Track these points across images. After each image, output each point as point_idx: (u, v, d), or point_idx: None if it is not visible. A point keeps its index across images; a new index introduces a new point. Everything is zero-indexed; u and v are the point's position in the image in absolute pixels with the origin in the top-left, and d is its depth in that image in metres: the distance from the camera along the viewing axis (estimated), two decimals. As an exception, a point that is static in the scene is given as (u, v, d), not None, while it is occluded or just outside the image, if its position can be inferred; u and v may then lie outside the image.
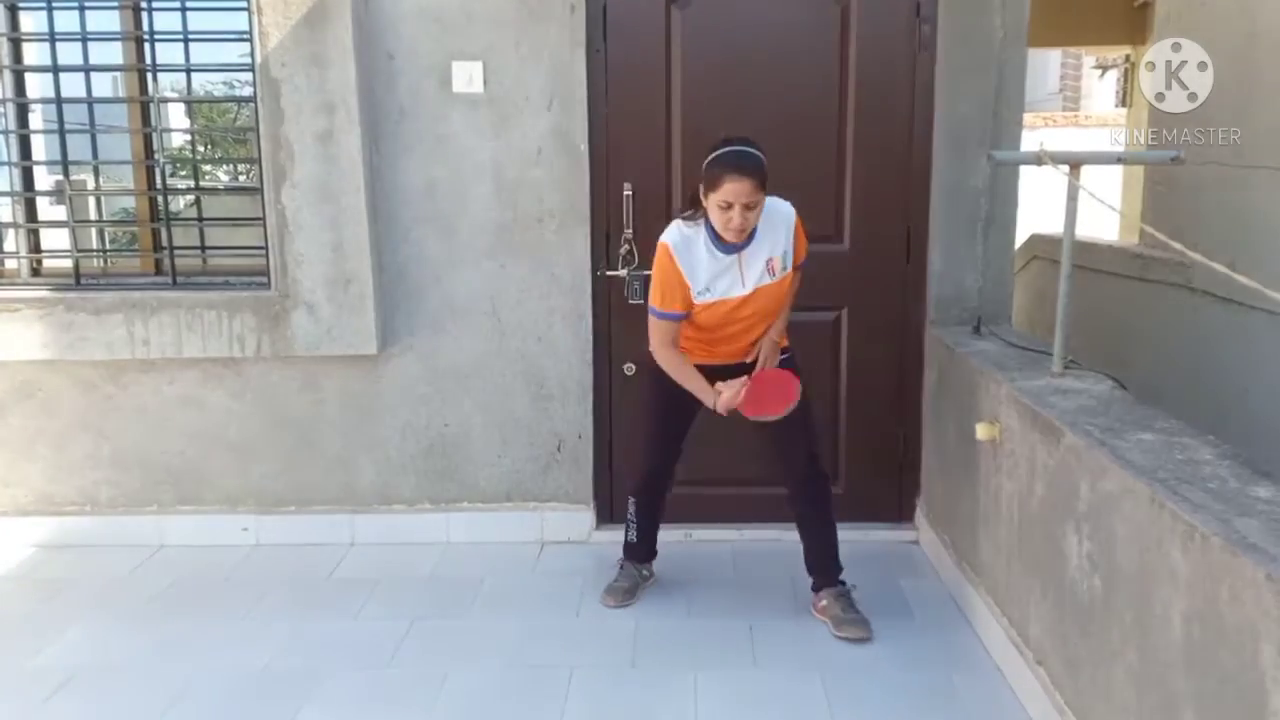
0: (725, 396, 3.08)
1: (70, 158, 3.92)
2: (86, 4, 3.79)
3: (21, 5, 3.88)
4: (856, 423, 4.02)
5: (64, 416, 3.98)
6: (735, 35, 3.77)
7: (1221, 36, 4.09)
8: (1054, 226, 4.02)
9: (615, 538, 3.83)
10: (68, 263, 3.95)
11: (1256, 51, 3.97)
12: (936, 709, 2.86)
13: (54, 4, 3.79)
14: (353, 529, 4.04)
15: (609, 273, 3.89)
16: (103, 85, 4.05)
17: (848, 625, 3.25)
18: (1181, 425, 2.50)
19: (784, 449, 3.33)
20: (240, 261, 3.99)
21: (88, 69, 3.84)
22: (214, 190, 4.27)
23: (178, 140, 4.61)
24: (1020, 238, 4.27)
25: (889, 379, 3.99)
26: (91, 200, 4.13)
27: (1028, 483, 2.79)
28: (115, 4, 3.83)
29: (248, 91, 3.90)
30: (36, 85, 3.99)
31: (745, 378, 3.13)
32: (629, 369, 3.95)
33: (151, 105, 3.86)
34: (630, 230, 3.83)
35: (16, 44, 3.89)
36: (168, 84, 4.01)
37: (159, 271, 4.00)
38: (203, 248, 3.98)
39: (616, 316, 3.94)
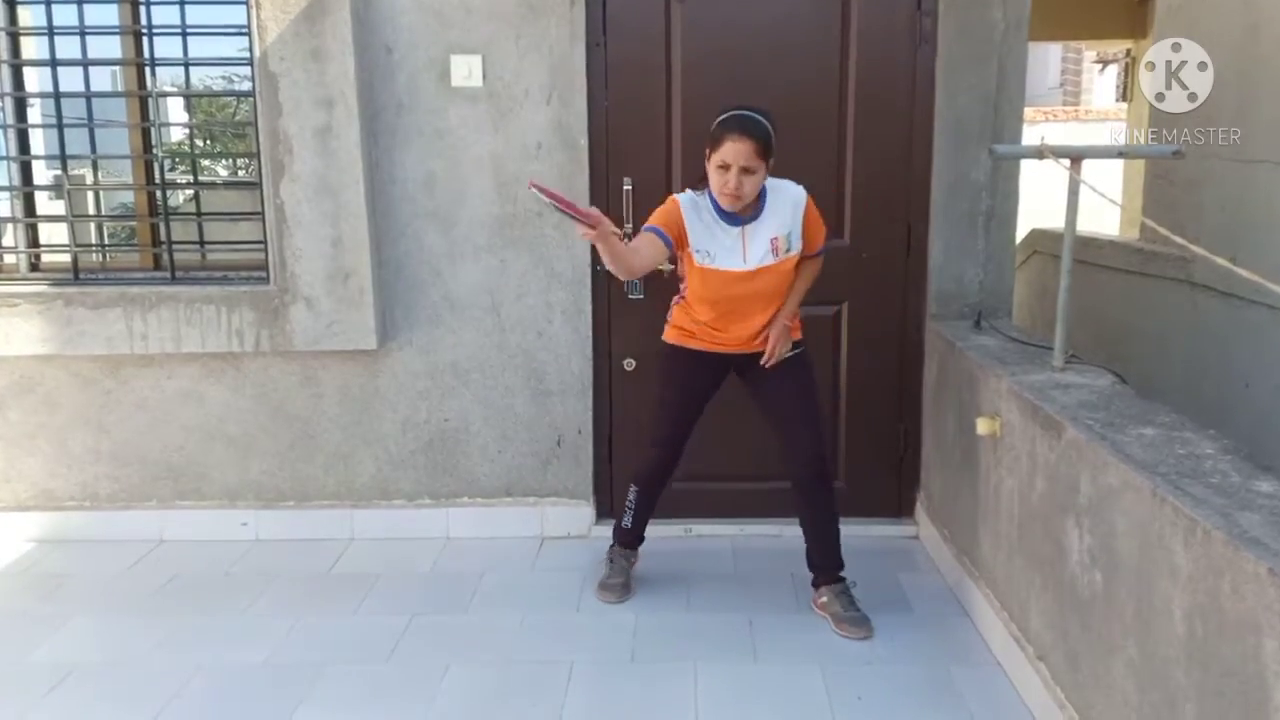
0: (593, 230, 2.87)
1: (69, 152, 3.91)
2: (84, -2, 3.78)
3: (20, 0, 3.87)
4: (857, 417, 4.01)
5: (63, 411, 3.98)
6: (735, 29, 3.76)
7: (1223, 30, 4.08)
8: (1054, 221, 4.02)
9: (615, 533, 3.84)
10: (66, 257, 3.94)
11: (1258, 45, 3.96)
12: (937, 703, 2.86)
13: (52, -2, 3.78)
14: (352, 524, 4.03)
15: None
16: (101, 79, 4.04)
17: (848, 623, 3.25)
18: (1183, 420, 2.49)
19: (791, 448, 3.31)
20: (239, 256, 3.98)
21: (86, 63, 3.83)
22: (213, 185, 4.26)
23: (177, 135, 4.61)
24: (1021, 232, 4.26)
25: (889, 374, 3.99)
26: (90, 195, 4.13)
27: (1028, 477, 2.79)
28: (114, -2, 3.83)
29: (246, 86, 3.90)
30: (35, 79, 3.98)
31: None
32: (629, 364, 3.95)
33: (150, 100, 3.85)
34: (630, 225, 3.82)
35: (15, 38, 3.88)
36: (166, 78, 4.00)
37: (158, 266, 3.99)
38: (201, 242, 3.97)
39: (616, 312, 3.94)
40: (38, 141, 4.01)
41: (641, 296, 3.88)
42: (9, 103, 3.88)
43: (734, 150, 2.94)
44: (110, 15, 3.83)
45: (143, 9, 3.79)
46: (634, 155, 3.83)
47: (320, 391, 3.96)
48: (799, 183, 3.58)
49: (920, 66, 3.77)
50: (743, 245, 3.09)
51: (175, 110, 4.32)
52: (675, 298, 3.34)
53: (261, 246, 3.84)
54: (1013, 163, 3.78)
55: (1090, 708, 2.40)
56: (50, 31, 3.79)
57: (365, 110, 3.71)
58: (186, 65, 3.86)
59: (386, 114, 3.76)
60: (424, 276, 3.88)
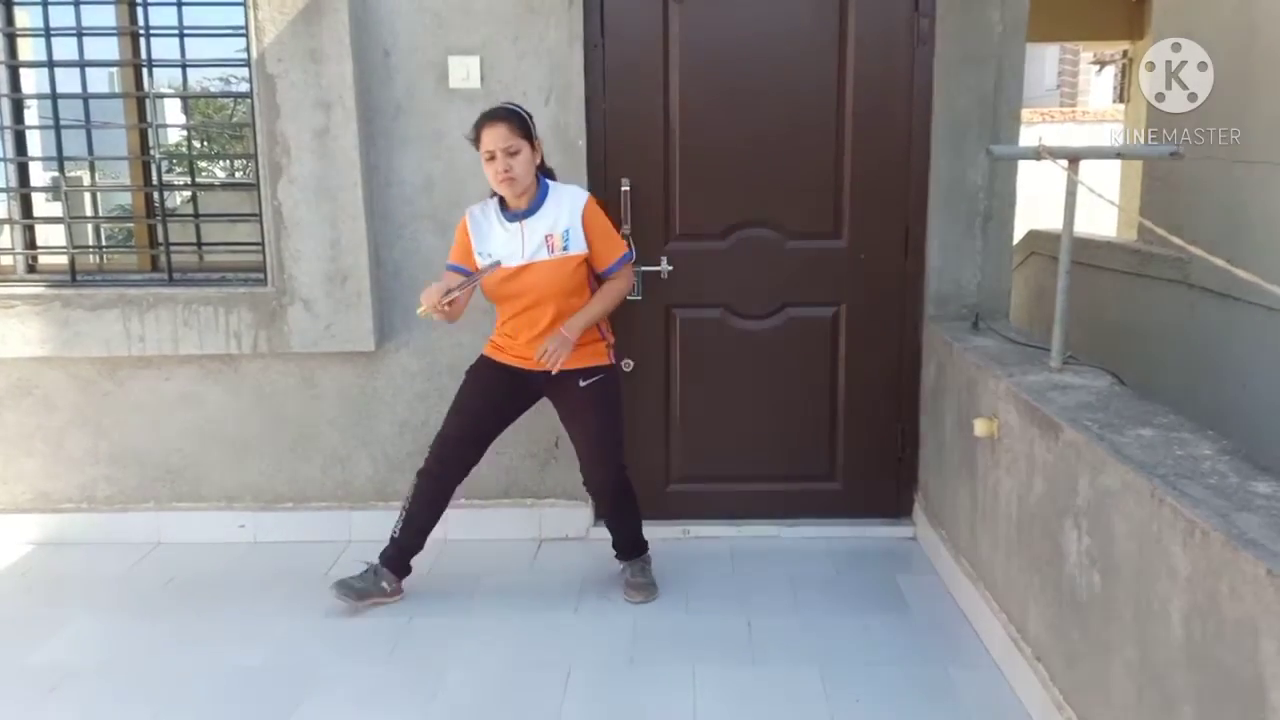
0: (429, 291, 3.17)
1: (66, 153, 3.91)
2: (82, -1, 3.78)
3: (16, 0, 3.86)
4: (855, 419, 4.01)
5: (61, 413, 3.98)
6: (733, 30, 3.76)
7: (1220, 31, 4.08)
8: (1052, 222, 4.02)
9: (613, 534, 3.84)
10: (64, 259, 3.94)
11: (1256, 46, 3.96)
12: (935, 704, 2.86)
13: (49, -1, 3.78)
14: (350, 526, 4.03)
15: (607, 269, 3.88)
16: (98, 80, 4.04)
17: (632, 589, 3.51)
18: (1181, 420, 2.49)
19: (585, 474, 3.48)
20: (237, 258, 3.98)
21: (83, 64, 3.83)
22: (210, 186, 4.26)
23: (174, 136, 4.60)
24: (1018, 234, 4.27)
25: (887, 375, 3.99)
26: (87, 196, 4.12)
27: (1026, 478, 2.79)
28: (111, -1, 3.82)
29: (244, 87, 3.89)
30: (32, 80, 3.98)
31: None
32: (627, 365, 3.95)
33: (147, 101, 3.85)
34: (628, 227, 3.82)
35: (11, 39, 3.88)
36: (164, 79, 3.99)
37: (155, 268, 3.98)
38: (199, 244, 3.97)
39: (614, 313, 3.92)
40: (35, 143, 4.01)
41: (639, 297, 3.88)
42: (6, 104, 3.88)
43: (491, 136, 3.12)
44: (108, 16, 3.83)
45: (140, 10, 3.79)
46: (632, 156, 3.83)
47: (318, 393, 3.96)
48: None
49: (918, 67, 3.77)
50: (521, 239, 3.19)
51: (173, 111, 4.31)
52: None
53: (259, 248, 3.83)
54: (1010, 164, 3.78)
55: (1089, 709, 2.41)
56: (47, 32, 3.79)
57: (363, 112, 3.71)
58: (184, 66, 3.86)
59: (384, 116, 3.76)
60: (422, 278, 3.86)
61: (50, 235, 4.07)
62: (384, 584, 3.47)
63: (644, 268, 3.86)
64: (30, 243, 4.01)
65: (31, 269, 4.00)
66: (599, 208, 3.32)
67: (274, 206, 3.71)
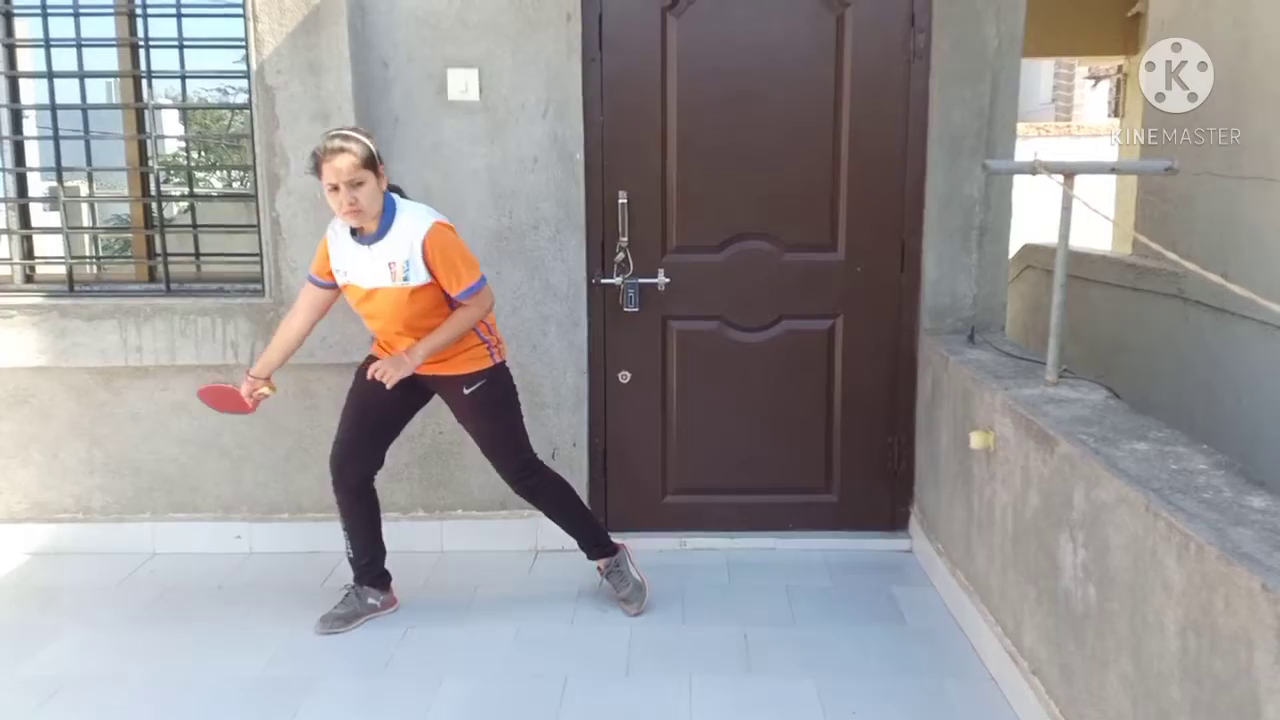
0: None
1: (64, 164, 3.91)
2: (82, 10, 3.79)
3: (16, 11, 3.88)
4: (851, 430, 4.02)
5: (57, 423, 3.97)
6: (731, 44, 3.78)
7: (1213, 48, 4.10)
8: (1046, 236, 4.03)
9: (609, 546, 3.84)
10: (61, 269, 3.94)
11: (1249, 62, 3.99)
12: (930, 717, 2.86)
13: (49, 10, 3.78)
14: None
15: (604, 280, 3.89)
16: (97, 91, 4.05)
17: (626, 601, 3.52)
18: (1176, 435, 2.51)
19: (494, 467, 3.46)
20: (234, 268, 3.98)
21: (82, 75, 3.84)
22: (208, 197, 4.26)
23: (172, 147, 4.61)
24: (1012, 248, 4.28)
25: (883, 387, 4.00)
26: (85, 206, 4.13)
27: (1022, 491, 2.80)
28: (110, 10, 3.83)
29: (242, 98, 3.90)
30: (31, 91, 3.99)
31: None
32: (624, 377, 3.96)
33: (146, 111, 3.86)
34: (625, 238, 3.83)
35: (11, 50, 3.89)
36: (162, 90, 4.00)
37: (153, 278, 3.99)
38: (197, 254, 3.97)
39: (611, 325, 3.95)
40: (33, 153, 4.01)
41: (637, 309, 3.89)
42: (5, 114, 3.89)
43: (333, 170, 2.97)
44: (107, 27, 3.84)
45: (139, 21, 3.80)
46: (629, 169, 3.85)
47: (315, 403, 3.96)
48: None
49: (914, 82, 3.79)
50: (371, 262, 3.13)
51: (171, 122, 4.32)
52: None
53: (257, 259, 3.84)
54: (1006, 178, 3.80)
55: (1084, 722, 2.41)
56: (47, 43, 3.80)
57: (362, 123, 3.71)
58: (183, 77, 3.87)
59: (383, 127, 3.77)
60: (419, 289, 3.88)
61: (48, 245, 4.08)
62: (370, 600, 3.48)
63: (641, 280, 3.87)
64: (28, 253, 4.02)
65: (29, 279, 4.00)
66: (446, 234, 3.12)
67: (272, 217, 3.72)
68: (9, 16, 3.87)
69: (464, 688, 3.03)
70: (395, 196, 3.17)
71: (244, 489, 4.02)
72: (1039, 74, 17.16)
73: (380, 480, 3.97)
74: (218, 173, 5.04)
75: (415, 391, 3.35)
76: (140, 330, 3.81)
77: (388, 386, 3.14)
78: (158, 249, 3.94)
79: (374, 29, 3.71)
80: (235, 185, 4.51)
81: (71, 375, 3.92)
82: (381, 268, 3.11)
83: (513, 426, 3.41)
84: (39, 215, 4.18)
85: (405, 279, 3.10)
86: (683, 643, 3.30)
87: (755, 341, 3.97)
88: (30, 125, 4.02)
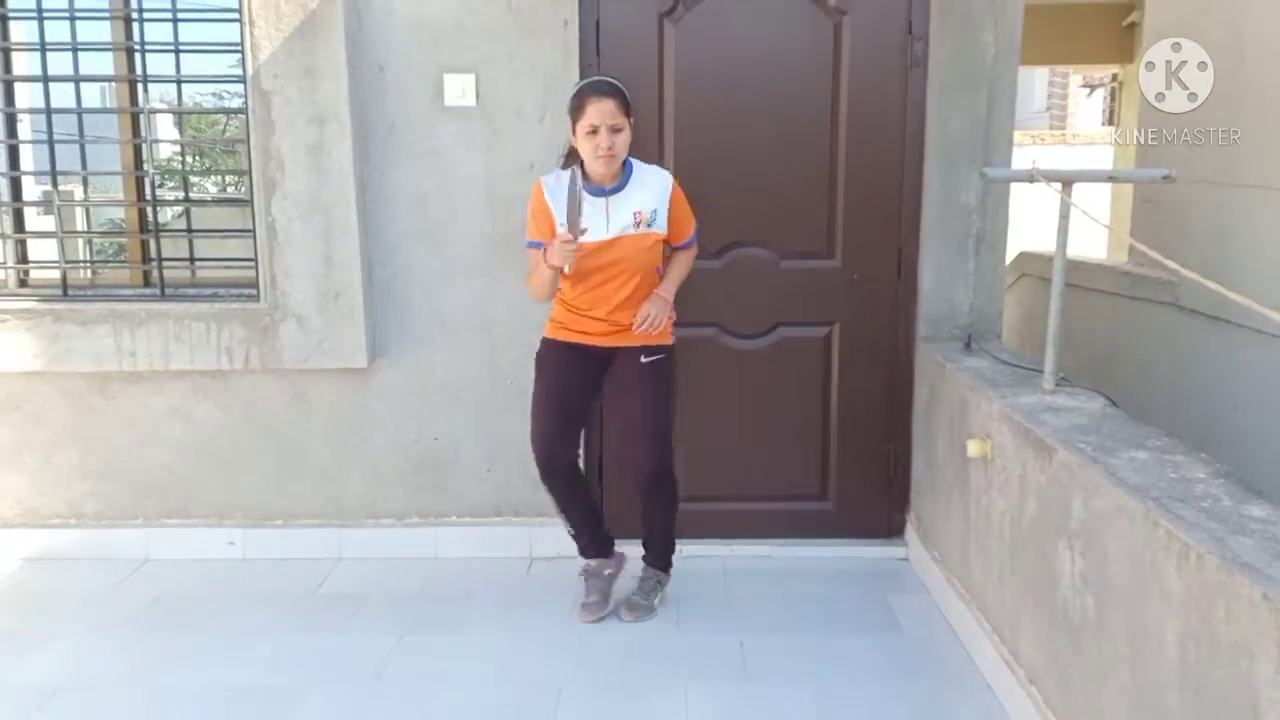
0: (554, 250, 3.12)
1: (59, 168, 3.89)
2: (78, 14, 3.77)
3: (12, 15, 3.86)
4: (847, 439, 4.01)
5: (50, 428, 3.95)
6: (728, 51, 3.78)
7: (1208, 55, 4.11)
8: (1042, 244, 4.03)
9: (605, 553, 3.83)
10: (55, 273, 3.92)
11: (1244, 71, 4.00)
12: (928, 727, 2.86)
13: (45, 14, 3.77)
14: (340, 543, 4.01)
15: (600, 287, 3.88)
16: (92, 95, 4.03)
17: (629, 607, 3.50)
18: (1174, 443, 2.50)
19: (631, 461, 3.44)
20: (229, 273, 3.96)
21: (78, 79, 3.83)
22: (203, 202, 4.25)
23: (168, 151, 4.59)
24: (1008, 256, 4.28)
25: (880, 395, 3.99)
26: (80, 210, 4.11)
27: (1019, 500, 2.79)
28: (106, 14, 3.82)
29: (238, 103, 3.89)
30: (25, 95, 3.97)
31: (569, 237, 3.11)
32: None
33: (141, 116, 3.84)
34: (622, 244, 3.82)
35: (6, 53, 3.87)
36: (158, 95, 3.99)
37: (147, 283, 3.97)
38: (192, 259, 3.95)
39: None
40: (28, 157, 3.99)
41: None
42: (0, 118, 3.87)
43: (598, 110, 3.08)
44: (103, 31, 3.83)
45: (135, 26, 3.79)
46: (626, 175, 3.84)
47: (309, 410, 3.94)
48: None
49: (911, 90, 3.79)
50: (605, 214, 3.19)
51: (166, 127, 4.31)
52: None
53: (252, 264, 3.82)
54: (1003, 186, 3.80)
55: (1082, 732, 2.40)
56: (42, 47, 3.78)
57: (358, 128, 3.71)
58: (179, 82, 3.86)
59: (379, 132, 3.76)
60: (415, 295, 3.87)
61: (42, 250, 4.06)
62: (606, 572, 3.59)
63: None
64: (22, 257, 4.00)
65: (23, 283, 3.98)
66: (680, 189, 3.34)
67: (267, 222, 3.71)
68: (4, 20, 3.85)
69: (457, 696, 3.02)
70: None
71: (238, 495, 4.00)
72: (1034, 82, 17.22)
73: (374, 486, 3.99)
74: (213, 177, 5.03)
75: (596, 365, 3.37)
76: (134, 335, 3.79)
77: (659, 327, 3.25)
78: (152, 253, 3.92)
79: (370, 34, 3.71)
80: (230, 190, 4.49)
81: (65, 380, 3.90)
82: (625, 216, 3.21)
83: (671, 410, 3.43)
84: (33, 219, 4.16)
85: (650, 225, 3.22)
86: (679, 650, 3.29)
87: (752, 349, 3.96)
88: (25, 129, 4.00)
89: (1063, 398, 2.97)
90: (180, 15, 3.76)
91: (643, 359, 3.32)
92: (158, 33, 3.79)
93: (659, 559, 3.63)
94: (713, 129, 3.81)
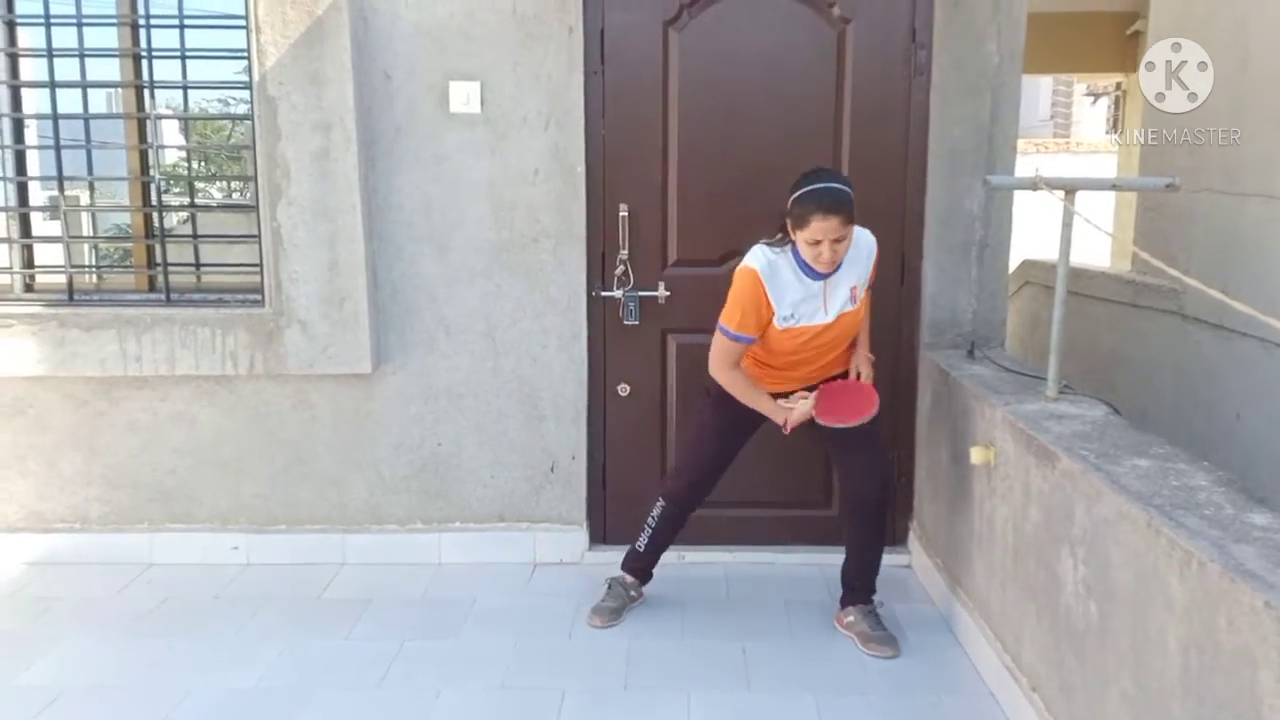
0: (796, 413, 3.16)
1: (65, 173, 3.91)
2: (85, 20, 3.79)
3: (20, 21, 3.88)
4: (850, 445, 4.01)
5: (55, 433, 3.96)
6: (732, 58, 3.79)
7: (1212, 64, 4.12)
8: (1045, 252, 4.03)
9: (608, 559, 3.83)
10: (61, 278, 3.93)
11: (1247, 80, 4.00)
12: (930, 734, 2.86)
13: (52, 20, 3.79)
14: (344, 548, 4.02)
15: (604, 294, 3.89)
16: (99, 101, 4.05)
17: (875, 641, 3.30)
18: (1177, 451, 2.50)
19: (852, 468, 3.36)
20: (235, 279, 3.98)
21: (85, 85, 3.84)
22: (209, 207, 4.26)
23: (173, 157, 4.61)
24: (1011, 264, 4.29)
25: (882, 401, 3.96)
26: (86, 216, 4.13)
27: (1022, 507, 2.80)
28: (113, 20, 3.84)
29: (244, 109, 3.90)
30: (33, 101, 3.99)
31: (803, 392, 3.21)
32: (623, 390, 3.95)
33: (148, 122, 3.86)
34: (626, 251, 3.84)
35: (14, 59, 3.89)
36: (164, 101, 4.01)
37: (153, 288, 3.98)
38: (197, 265, 3.96)
39: (611, 337, 3.94)
40: (34, 162, 4.01)
41: (636, 322, 3.89)
42: (7, 123, 3.89)
43: (823, 228, 2.97)
44: (110, 38, 3.84)
45: (142, 32, 3.80)
46: (630, 181, 3.85)
47: (313, 415, 3.95)
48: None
49: (915, 97, 3.80)
50: (824, 297, 3.13)
51: (172, 133, 4.32)
52: None
53: (257, 269, 3.83)
54: (1006, 193, 3.80)
55: (1085, 739, 2.40)
56: (50, 53, 3.80)
57: (363, 135, 3.73)
58: (185, 88, 3.87)
59: (384, 139, 3.78)
60: (419, 300, 3.88)
61: (48, 255, 4.07)
62: (632, 592, 3.60)
63: (641, 293, 3.87)
64: (28, 262, 4.01)
65: (29, 288, 3.99)
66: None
67: (273, 228, 3.72)
68: (12, 26, 3.87)
69: (460, 702, 3.02)
70: None
71: (242, 500, 4.01)
72: (1038, 90, 17.23)
73: (378, 492, 4.00)
74: (219, 183, 5.05)
75: (756, 420, 3.35)
76: (139, 340, 3.80)
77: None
78: (158, 259, 3.93)
79: (376, 41, 3.72)
80: (236, 196, 4.51)
81: (70, 385, 3.92)
82: (842, 294, 3.15)
83: (880, 427, 3.39)
84: (39, 224, 4.18)
85: (862, 294, 3.20)
86: (681, 657, 3.29)
87: (755, 355, 3.96)
88: (32, 134, 4.02)
89: (1066, 405, 2.97)
90: (187, 21, 3.79)
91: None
92: (164, 39, 3.80)
93: (864, 592, 3.44)
94: (716, 135, 3.82)
